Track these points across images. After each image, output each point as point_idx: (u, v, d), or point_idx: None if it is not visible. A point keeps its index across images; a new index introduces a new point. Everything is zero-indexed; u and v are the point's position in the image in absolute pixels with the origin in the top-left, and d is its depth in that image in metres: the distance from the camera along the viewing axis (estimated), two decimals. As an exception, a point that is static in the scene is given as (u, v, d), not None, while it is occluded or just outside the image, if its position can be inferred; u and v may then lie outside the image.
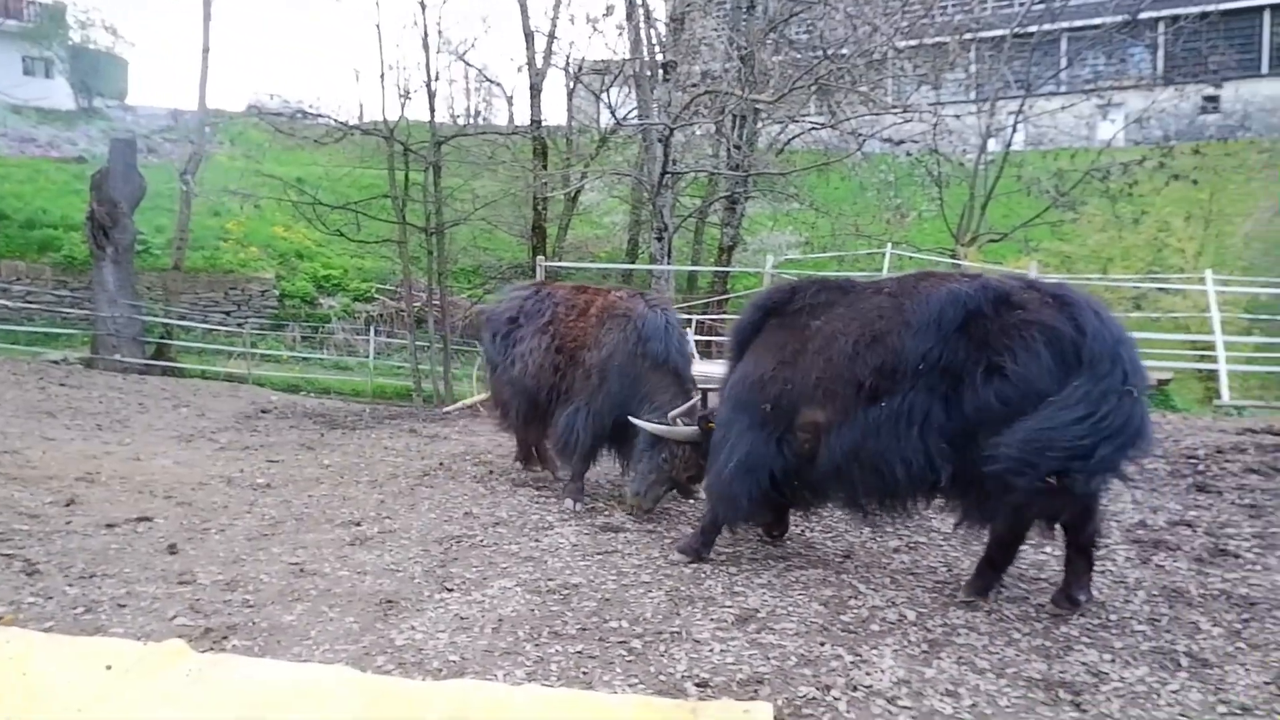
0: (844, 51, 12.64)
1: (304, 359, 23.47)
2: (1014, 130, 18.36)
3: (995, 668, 3.52)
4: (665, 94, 13.78)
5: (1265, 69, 35.14)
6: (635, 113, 23.51)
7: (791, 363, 4.42)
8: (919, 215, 18.10)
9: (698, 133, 18.26)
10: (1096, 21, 19.67)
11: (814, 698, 3.27)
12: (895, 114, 16.70)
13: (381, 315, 26.01)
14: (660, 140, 14.65)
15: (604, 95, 21.97)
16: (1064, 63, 22.40)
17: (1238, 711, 3.16)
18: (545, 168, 19.14)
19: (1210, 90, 34.92)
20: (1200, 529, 5.33)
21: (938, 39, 17.13)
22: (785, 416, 4.41)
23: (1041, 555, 4.91)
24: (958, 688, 3.35)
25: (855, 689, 3.33)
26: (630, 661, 3.60)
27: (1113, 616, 4.04)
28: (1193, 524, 5.44)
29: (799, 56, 16.24)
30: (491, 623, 3.97)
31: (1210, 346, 9.97)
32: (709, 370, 9.12)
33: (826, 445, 4.25)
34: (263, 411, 10.34)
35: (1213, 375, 10.32)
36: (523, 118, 21.72)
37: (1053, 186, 17.25)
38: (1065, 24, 19.91)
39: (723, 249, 19.08)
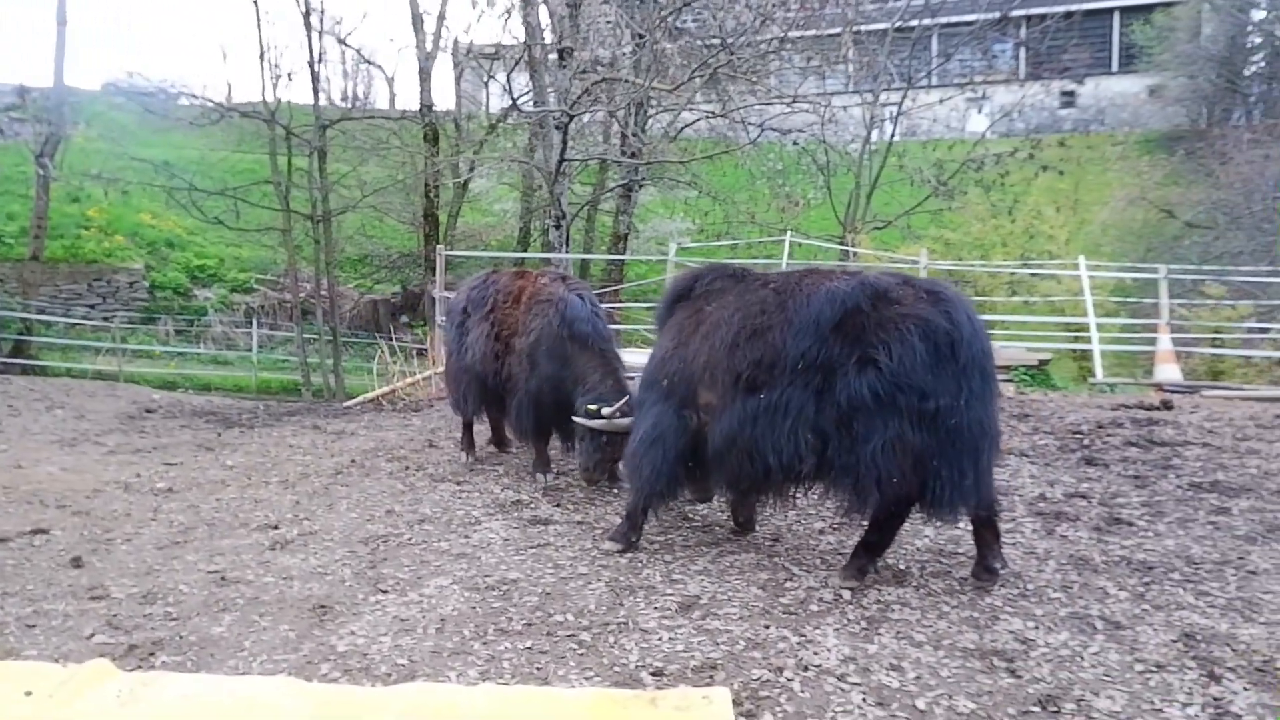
0: (742, 40, 12.82)
1: (179, 354, 22.24)
2: (895, 122, 19.09)
3: (932, 640, 3.69)
4: (564, 80, 13.66)
5: (1116, 67, 37.67)
6: (527, 98, 23.28)
7: (685, 344, 4.60)
8: (808, 203, 18.60)
9: (585, 119, 18.20)
10: (970, 18, 20.64)
11: (768, 680, 3.34)
12: (785, 103, 17.10)
13: (263, 307, 24.89)
14: (558, 127, 14.55)
15: (498, 80, 21.64)
16: (941, 58, 23.46)
17: (1153, 669, 3.41)
18: (437, 154, 18.70)
19: (1069, 86, 37.34)
20: (1094, 500, 5.72)
21: (829, 31, 17.59)
22: (682, 392, 4.56)
23: (956, 530, 5.16)
24: (900, 661, 3.49)
25: (806, 669, 3.42)
26: (582, 655, 3.60)
27: (1030, 586, 4.28)
28: (1086, 495, 5.83)
29: (693, 44, 16.41)
30: (434, 623, 3.89)
31: (1084, 328, 10.67)
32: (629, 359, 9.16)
33: (712, 427, 4.43)
34: (147, 411, 9.74)
35: (1087, 355, 11.07)
36: (405, 102, 21.21)
37: (934, 176, 18.05)
38: (943, 19, 20.75)
39: (618, 237, 19.13)
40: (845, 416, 3.99)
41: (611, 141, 20.48)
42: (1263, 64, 32.78)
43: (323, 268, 18.67)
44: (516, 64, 13.99)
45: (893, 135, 18.99)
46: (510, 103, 23.34)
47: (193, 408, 10.23)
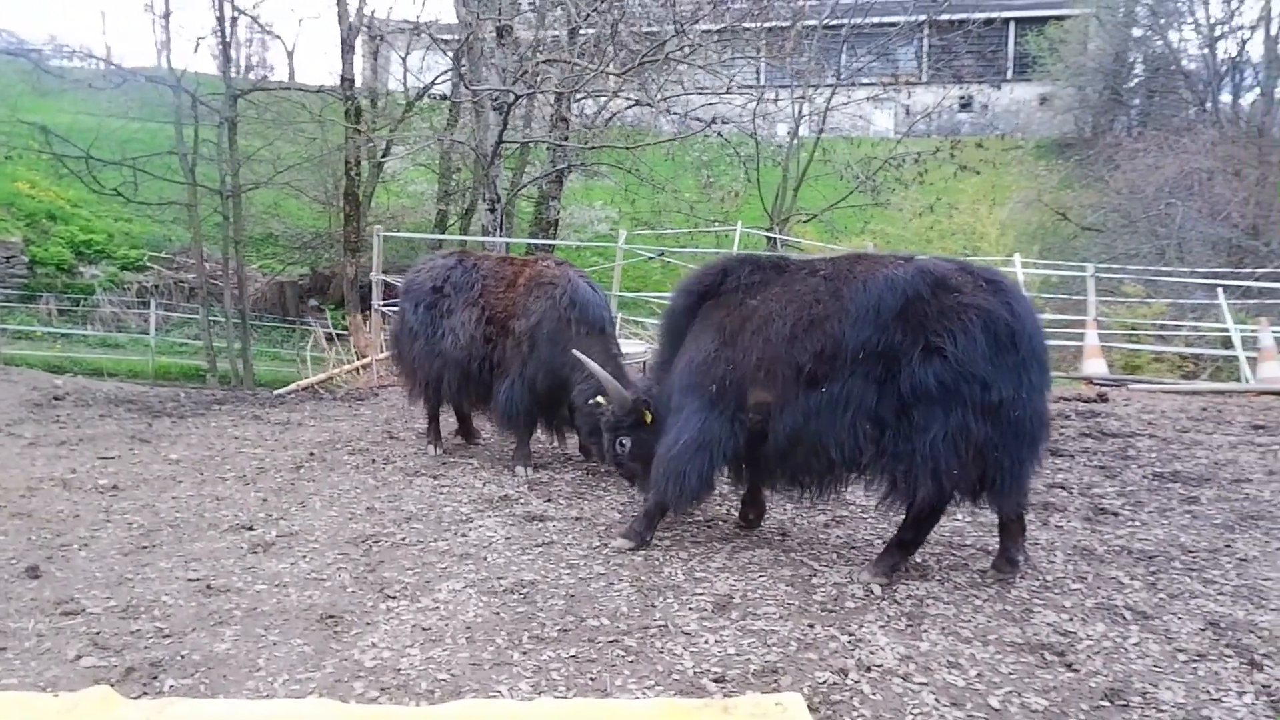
0: (697, 26, 12.69)
1: (64, 336, 20.69)
2: (824, 116, 19.35)
3: (978, 635, 3.65)
4: (504, 60, 13.22)
5: (1010, 74, 39.38)
6: (446, 78, 22.54)
7: (731, 343, 4.37)
8: (739, 195, 18.70)
9: (519, 102, 17.73)
10: (892, 20, 21.11)
11: (835, 683, 3.23)
12: (720, 94, 17.08)
13: (158, 287, 23.39)
14: (497, 109, 14.09)
15: (408, 56, 20.86)
16: (871, 55, 23.89)
17: (1196, 659, 3.46)
18: (359, 131, 17.87)
19: (965, 91, 38.80)
20: (1074, 490, 5.86)
21: (772, 24, 17.63)
22: (734, 396, 4.33)
23: (956, 522, 5.18)
24: (958, 659, 3.44)
25: (868, 669, 3.33)
26: (632, 661, 3.40)
27: (1048, 578, 4.31)
28: (1065, 486, 5.97)
29: (640, 29, 16.17)
30: (460, 632, 3.62)
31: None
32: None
33: (773, 426, 4.26)
34: (55, 399, 8.91)
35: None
36: (305, 76, 20.19)
37: (862, 171, 18.40)
38: (874, 19, 21.14)
39: (548, 223, 18.75)
40: (906, 406, 3.92)
41: (534, 126, 20.06)
42: (1142, 77, 34.78)
43: (230, 246, 17.61)
44: (465, 43, 13.38)
45: (821, 130, 19.24)
46: (430, 81, 22.60)
47: (106, 395, 9.42)
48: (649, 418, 4.84)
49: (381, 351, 10.99)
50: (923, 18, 22.01)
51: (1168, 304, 12.63)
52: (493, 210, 15.62)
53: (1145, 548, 4.74)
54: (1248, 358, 10.98)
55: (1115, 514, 5.36)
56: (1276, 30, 24.48)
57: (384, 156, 18.72)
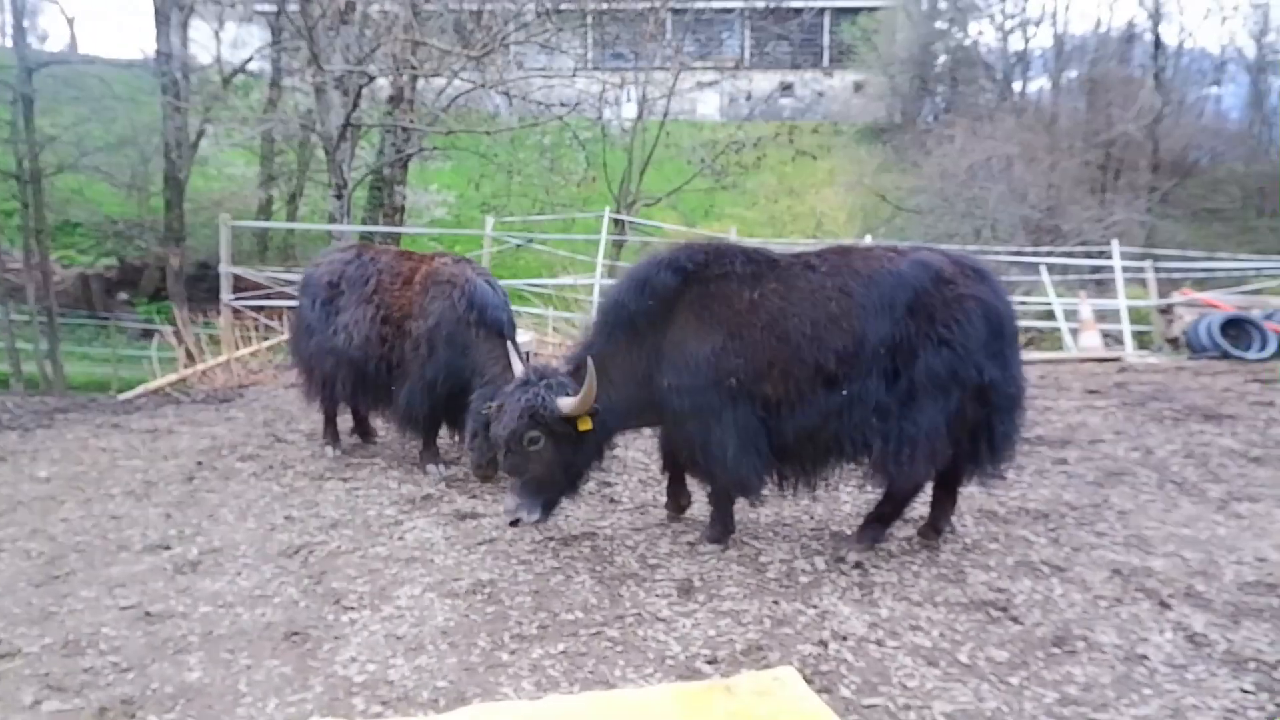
0: (549, 7, 12.56)
1: None
2: (669, 99, 19.69)
3: (927, 599, 3.96)
4: (348, 37, 12.59)
5: (827, 62, 41.45)
6: (266, 52, 21.19)
7: (739, 337, 4.15)
8: (594, 179, 18.73)
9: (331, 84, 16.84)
10: (736, 4, 21.73)
11: (819, 654, 3.43)
12: (567, 77, 17.04)
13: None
14: (342, 89, 13.42)
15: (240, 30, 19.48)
16: (686, 43, 24.45)
17: (1115, 604, 3.90)
18: (179, 110, 16.49)
19: (788, 78, 40.57)
20: (960, 457, 6.38)
21: (625, 6, 17.65)
22: (750, 390, 4.16)
23: (870, 495, 5.52)
24: (918, 622, 3.72)
25: (844, 639, 3.55)
26: (622, 651, 3.46)
27: (967, 540, 4.71)
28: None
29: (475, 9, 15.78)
30: (437, 638, 3.55)
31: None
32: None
33: (780, 424, 4.19)
34: None
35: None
36: (88, 48, 18.46)
37: (706, 155, 18.90)
38: (718, 5, 21.64)
39: (394, 209, 18.04)
40: (912, 395, 4.09)
41: (363, 107, 19.18)
42: (946, 67, 37.60)
43: (34, 237, 15.86)
44: (306, 19, 12.56)
45: (665, 114, 19.58)
46: (248, 57, 21.19)
47: (-84, 408, 8.31)
48: (586, 426, 4.18)
49: (238, 349, 10.32)
50: (758, 4, 22.82)
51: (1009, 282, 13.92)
52: (340, 196, 14.92)
53: (1038, 507, 5.25)
54: (1070, 329, 12.24)
55: (1000, 476, 5.87)
56: (1063, 23, 27.14)
57: (228, 137, 17.31)
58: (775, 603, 3.89)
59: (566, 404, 4.10)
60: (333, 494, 5.44)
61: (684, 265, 4.28)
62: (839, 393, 4.08)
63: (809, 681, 3.20)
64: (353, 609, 3.82)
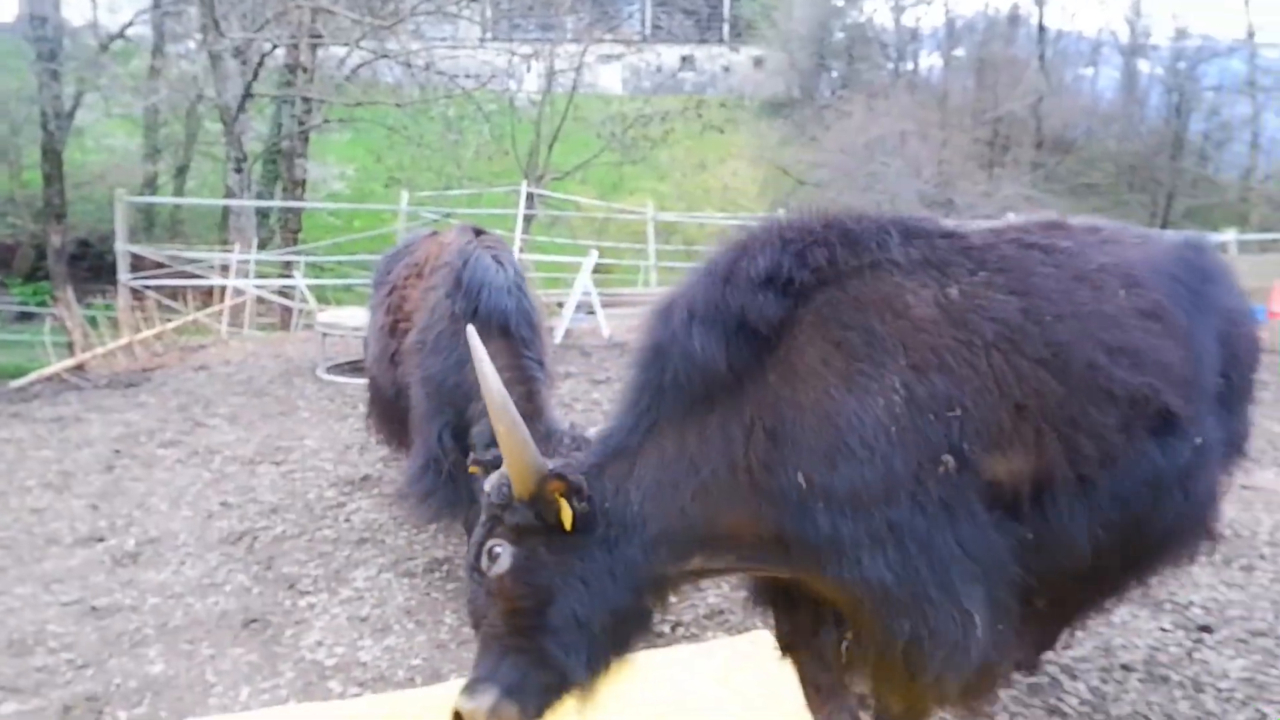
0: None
1: None
2: (578, 73, 19.56)
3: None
4: (248, 4, 12.04)
5: (728, 37, 41.80)
6: (146, 16, 20.05)
7: (940, 370, 2.13)
8: (506, 152, 18.51)
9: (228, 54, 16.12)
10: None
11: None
12: (472, 48, 16.77)
13: None
14: (240, 58, 12.85)
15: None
16: (586, 16, 24.27)
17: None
18: (55, 76, 15.41)
19: (688, 51, 40.78)
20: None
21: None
22: (975, 474, 2.12)
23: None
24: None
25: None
26: (588, 622, 3.54)
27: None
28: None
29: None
30: (402, 617, 3.57)
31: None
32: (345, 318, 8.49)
33: (1047, 526, 2.18)
34: None
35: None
36: None
37: (616, 130, 18.89)
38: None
39: (295, 183, 17.38)
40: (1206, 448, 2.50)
41: (263, 78, 18.41)
42: (843, 44, 38.48)
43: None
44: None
45: (575, 87, 19.45)
46: (128, 20, 19.98)
47: None
48: (568, 518, 2.10)
49: (140, 331, 9.84)
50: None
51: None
52: (239, 170, 14.35)
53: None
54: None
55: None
56: (953, 3, 28.14)
57: (107, 107, 16.28)
58: (727, 568, 4.04)
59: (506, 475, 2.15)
60: (267, 478, 5.32)
61: (790, 271, 2.23)
62: (1183, 441, 2.28)
63: (771, 642, 3.38)
64: (309, 593, 3.79)
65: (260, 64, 11.94)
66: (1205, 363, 2.38)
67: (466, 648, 3.32)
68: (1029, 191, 23.41)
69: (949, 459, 2.07)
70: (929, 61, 35.35)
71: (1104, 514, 2.19)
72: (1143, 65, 31.79)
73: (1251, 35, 29.48)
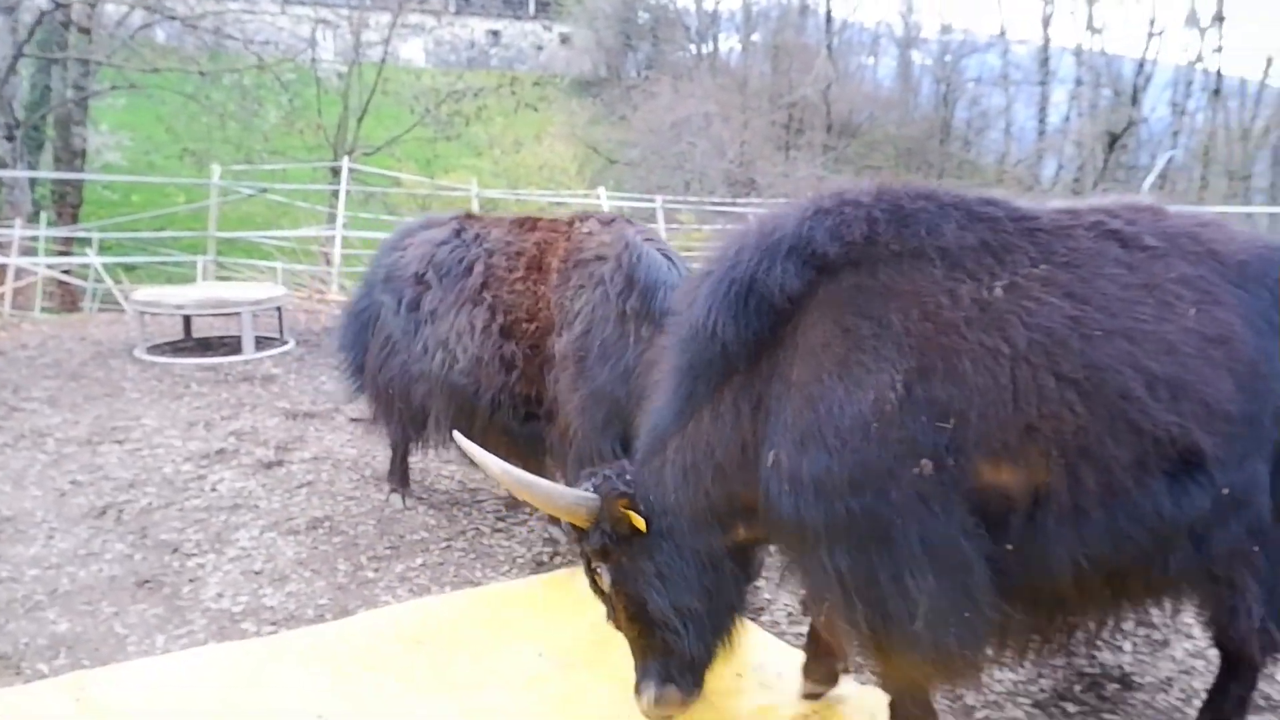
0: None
1: None
2: (386, 44, 19.14)
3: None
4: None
5: (533, 12, 41.83)
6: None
7: (944, 373, 2.05)
8: (319, 126, 17.84)
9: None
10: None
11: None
12: (271, 14, 16.09)
13: None
14: (8, 11, 11.73)
15: None
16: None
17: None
18: None
19: (496, 26, 40.52)
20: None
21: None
22: (957, 483, 2.07)
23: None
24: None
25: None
26: (475, 558, 3.95)
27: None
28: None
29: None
30: (295, 567, 3.81)
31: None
32: (233, 294, 8.30)
33: (1031, 548, 2.10)
34: None
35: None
36: None
37: (430, 105, 18.70)
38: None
39: (74, 153, 15.99)
40: None
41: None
42: (648, 24, 39.48)
43: None
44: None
45: (384, 58, 19.03)
46: None
47: None
48: (639, 522, 2.35)
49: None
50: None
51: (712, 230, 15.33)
52: (10, 138, 13.12)
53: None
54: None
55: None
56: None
57: None
58: (592, 508, 4.52)
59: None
60: (113, 456, 5.23)
61: (816, 244, 2.20)
62: (1204, 488, 2.08)
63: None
64: (195, 555, 3.91)
65: (39, 22, 10.94)
66: (1267, 401, 2.11)
67: (366, 587, 3.61)
68: (821, 172, 25.29)
69: (927, 464, 2.03)
70: (729, 44, 37.01)
71: (1092, 547, 2.06)
72: (916, 56, 34.97)
73: (1003, 33, 33.16)
